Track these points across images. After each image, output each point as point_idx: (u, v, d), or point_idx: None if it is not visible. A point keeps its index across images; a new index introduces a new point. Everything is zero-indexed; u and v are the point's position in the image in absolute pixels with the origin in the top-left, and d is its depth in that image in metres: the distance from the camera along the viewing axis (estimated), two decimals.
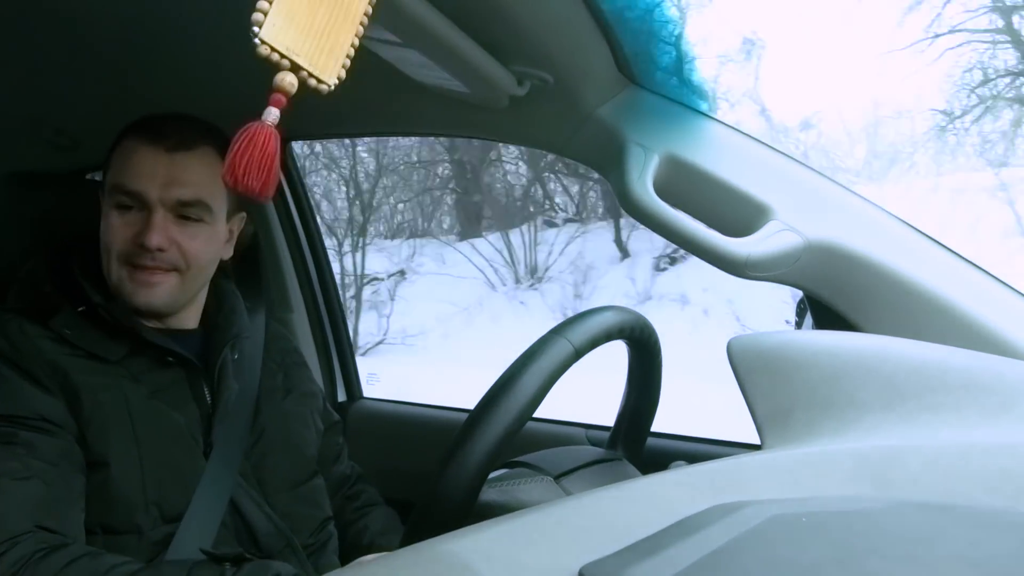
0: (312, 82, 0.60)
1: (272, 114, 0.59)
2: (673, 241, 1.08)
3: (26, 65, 1.28)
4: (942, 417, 0.67)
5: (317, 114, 1.56)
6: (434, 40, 0.91)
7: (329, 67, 0.61)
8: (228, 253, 1.22)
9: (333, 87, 0.61)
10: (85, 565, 0.91)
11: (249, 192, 0.60)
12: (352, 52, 0.62)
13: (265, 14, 0.56)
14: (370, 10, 0.63)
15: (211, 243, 1.15)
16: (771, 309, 5.67)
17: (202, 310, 1.23)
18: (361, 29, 0.63)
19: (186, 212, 1.11)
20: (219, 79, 1.34)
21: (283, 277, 1.86)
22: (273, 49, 0.57)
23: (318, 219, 1.96)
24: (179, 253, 1.10)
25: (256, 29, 0.56)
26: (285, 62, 0.58)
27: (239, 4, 1.08)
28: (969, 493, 0.54)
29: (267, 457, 1.17)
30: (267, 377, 1.24)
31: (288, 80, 0.58)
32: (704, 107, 1.15)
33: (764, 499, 0.53)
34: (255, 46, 0.56)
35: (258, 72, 1.32)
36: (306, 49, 0.59)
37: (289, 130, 1.72)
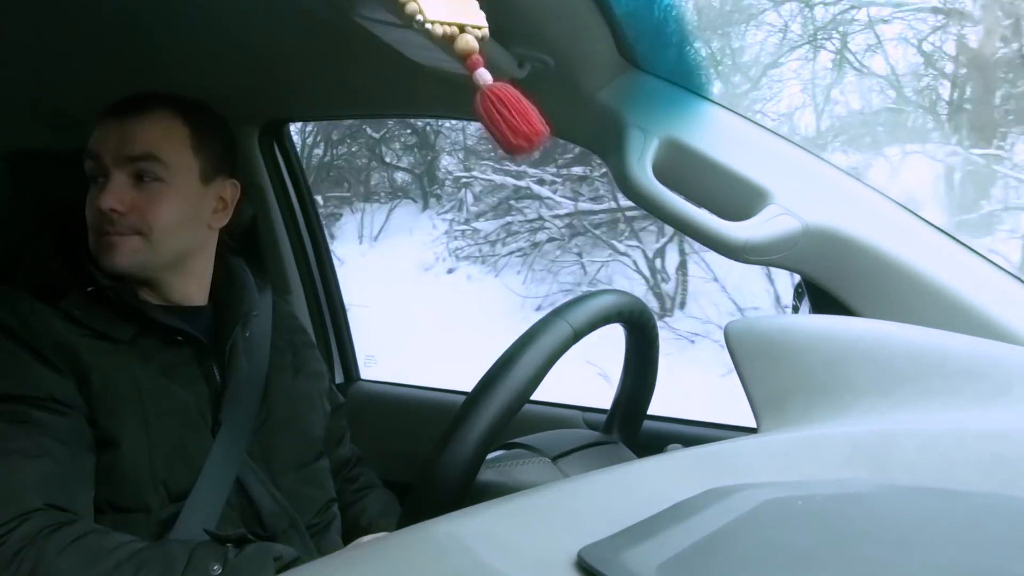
0: (477, 32, 0.61)
1: (485, 75, 0.60)
2: (672, 224, 1.07)
3: (25, 45, 1.27)
4: (938, 402, 0.67)
5: (318, 96, 1.56)
6: None
7: (475, 13, 0.62)
8: (220, 222, 1.21)
9: (487, 27, 0.62)
10: (91, 542, 0.92)
11: (531, 144, 0.59)
12: None
13: (416, 1, 0.57)
14: None
15: (174, 206, 1.12)
16: None
17: (210, 286, 1.22)
18: None
19: (140, 170, 1.10)
20: (217, 59, 1.34)
21: (281, 259, 1.86)
22: (442, 23, 0.58)
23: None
24: (139, 217, 1.09)
25: (419, 17, 0.57)
26: (454, 29, 0.59)
27: None
28: (964, 478, 0.54)
29: (275, 437, 1.17)
30: (276, 355, 1.24)
31: (468, 40, 0.60)
32: (704, 90, 1.15)
33: (759, 482, 0.53)
34: (428, 32, 0.56)
35: (256, 55, 1.32)
36: (457, 9, 0.60)
37: (289, 112, 1.72)
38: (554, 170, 5.78)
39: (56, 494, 0.95)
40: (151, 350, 1.09)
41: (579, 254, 5.55)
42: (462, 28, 0.59)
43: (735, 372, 0.75)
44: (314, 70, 1.36)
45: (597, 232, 5.47)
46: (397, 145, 7.33)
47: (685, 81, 1.14)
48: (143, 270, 1.12)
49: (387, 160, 7.33)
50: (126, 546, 0.93)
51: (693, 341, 4.74)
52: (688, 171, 1.10)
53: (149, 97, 1.14)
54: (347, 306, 2.00)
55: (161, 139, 1.11)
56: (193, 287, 1.19)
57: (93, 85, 1.43)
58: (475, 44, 0.59)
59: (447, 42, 0.58)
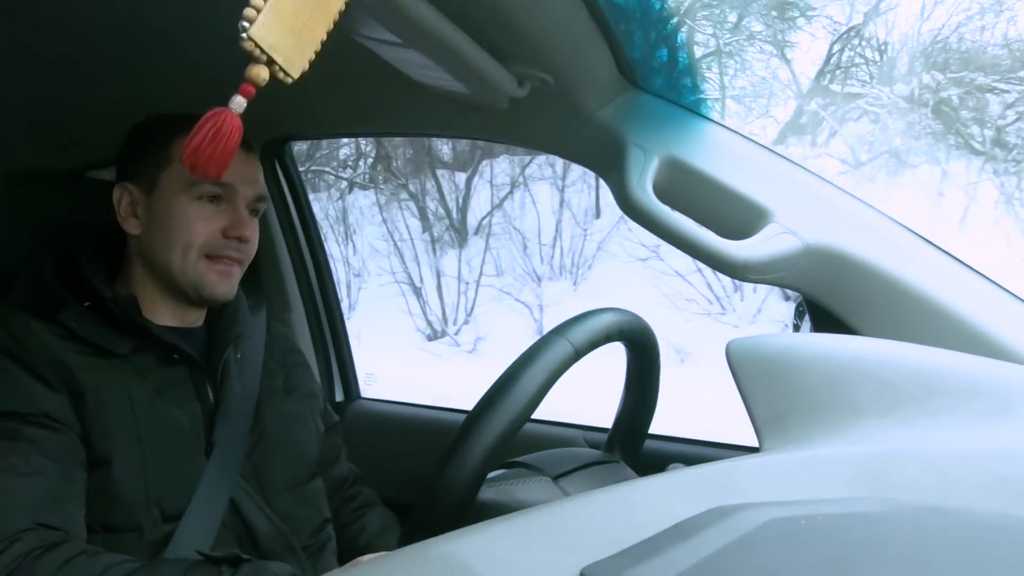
0: (280, 75, 0.63)
1: (238, 103, 0.62)
2: (672, 243, 1.08)
3: (26, 65, 1.28)
4: (940, 421, 0.67)
5: (318, 114, 1.57)
6: (435, 41, 0.91)
7: (298, 62, 0.64)
8: None
9: (294, 80, 0.64)
10: (82, 563, 0.91)
11: (205, 176, 0.64)
12: (319, 47, 0.65)
13: (258, 11, 0.59)
14: (343, 7, 0.65)
15: None
16: None
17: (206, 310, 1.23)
18: (333, 26, 0.66)
19: (257, 207, 1.19)
20: (219, 78, 1.34)
21: (282, 277, 1.86)
22: (257, 46, 0.60)
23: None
24: (250, 248, 1.17)
25: (246, 24, 0.59)
26: (263, 57, 0.61)
27: (234, 6, 1.09)
28: (966, 498, 0.54)
29: (268, 458, 1.17)
30: (268, 377, 1.24)
31: (262, 75, 0.61)
32: (704, 110, 1.15)
33: (762, 502, 0.53)
34: (241, 39, 0.59)
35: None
36: (285, 47, 0.62)
37: (290, 130, 1.72)
38: None
39: (46, 513, 0.94)
40: (146, 368, 1.09)
41: None
42: (271, 63, 0.61)
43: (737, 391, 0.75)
44: (315, 89, 1.37)
45: None
46: None
47: (685, 100, 1.15)
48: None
49: None
50: (117, 567, 0.92)
51: None
52: (688, 190, 1.11)
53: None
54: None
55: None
56: (199, 311, 1.21)
57: (93, 105, 1.44)
58: (263, 80, 0.62)
59: (251, 59, 0.61)
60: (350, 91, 1.36)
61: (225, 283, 1.14)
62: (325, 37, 0.65)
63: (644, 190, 1.08)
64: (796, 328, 1.19)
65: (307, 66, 0.64)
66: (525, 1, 0.90)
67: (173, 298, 1.16)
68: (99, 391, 1.03)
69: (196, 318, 1.21)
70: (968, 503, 0.54)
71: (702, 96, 1.14)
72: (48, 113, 1.51)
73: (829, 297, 1.06)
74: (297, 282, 1.89)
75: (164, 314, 1.16)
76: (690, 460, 0.78)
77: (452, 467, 0.73)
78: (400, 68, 1.06)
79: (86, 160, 1.65)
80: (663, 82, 1.14)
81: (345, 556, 1.26)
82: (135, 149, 1.17)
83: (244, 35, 0.59)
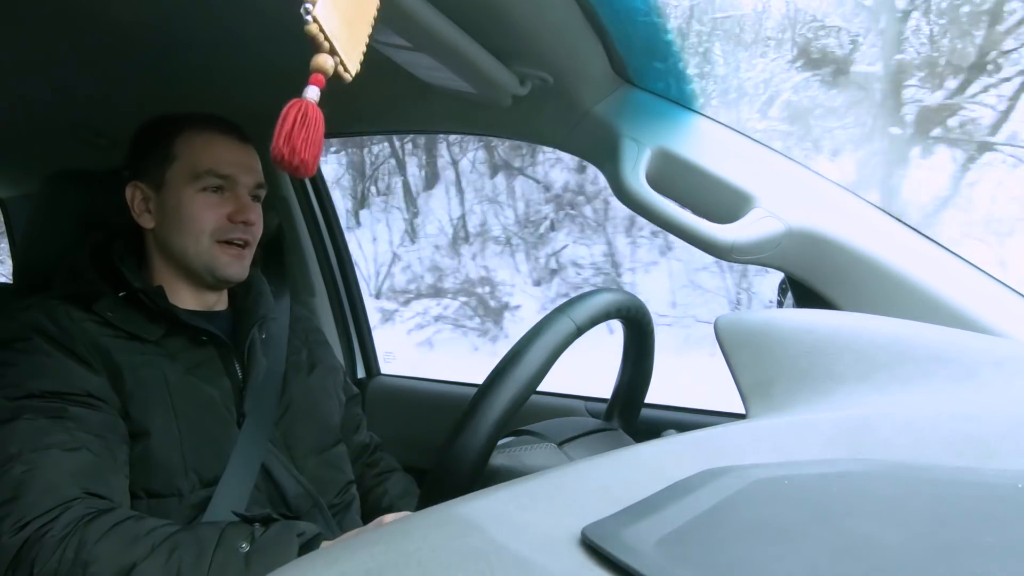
0: (340, 69, 0.58)
1: (314, 92, 0.58)
2: (664, 228, 1.07)
3: (70, 74, 1.28)
4: (911, 387, 0.67)
5: (334, 114, 1.56)
6: (442, 44, 0.91)
7: (353, 59, 0.60)
8: None
9: (352, 78, 0.60)
10: (128, 527, 0.92)
11: (300, 167, 0.58)
12: (365, 49, 0.61)
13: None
14: (378, 6, 0.63)
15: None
16: None
17: (229, 294, 1.25)
18: (370, 29, 0.62)
19: (258, 193, 1.20)
20: (244, 81, 1.34)
21: (306, 264, 1.87)
22: (321, 29, 0.56)
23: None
24: (256, 230, 1.18)
25: (309, 6, 0.55)
26: (326, 44, 0.57)
27: (264, 12, 1.08)
28: (937, 456, 0.54)
29: (295, 426, 1.18)
30: (293, 354, 1.26)
31: (328, 63, 0.57)
32: (693, 103, 1.15)
33: (749, 464, 0.53)
34: (305, 23, 0.55)
35: (282, 75, 1.32)
36: (342, 37, 0.58)
37: None
38: None
39: (94, 483, 0.95)
40: (177, 350, 1.10)
41: None
42: (333, 52, 0.57)
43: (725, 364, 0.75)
44: (332, 90, 1.37)
45: None
46: None
47: (675, 95, 1.15)
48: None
49: None
50: (160, 529, 0.93)
51: None
52: (679, 179, 1.11)
53: (238, 125, 1.20)
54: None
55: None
56: (222, 294, 1.23)
57: (129, 110, 1.44)
58: (329, 69, 0.57)
59: (313, 47, 0.56)
60: (365, 92, 1.35)
61: (236, 265, 1.16)
62: (367, 40, 0.61)
63: (638, 179, 1.08)
64: (779, 304, 1.19)
65: (359, 67, 0.60)
66: (525, 5, 0.90)
67: (192, 283, 1.17)
68: (135, 370, 1.04)
69: (217, 300, 1.22)
70: (938, 461, 0.54)
71: (691, 90, 1.14)
72: (90, 119, 1.51)
73: (809, 275, 1.06)
74: (320, 270, 1.90)
75: (188, 299, 1.17)
76: (683, 427, 0.78)
77: (464, 437, 0.73)
78: (411, 70, 1.06)
79: (123, 160, 1.65)
80: (654, 78, 1.13)
81: (369, 517, 1.27)
82: (141, 150, 1.18)
83: (308, 17, 0.55)
